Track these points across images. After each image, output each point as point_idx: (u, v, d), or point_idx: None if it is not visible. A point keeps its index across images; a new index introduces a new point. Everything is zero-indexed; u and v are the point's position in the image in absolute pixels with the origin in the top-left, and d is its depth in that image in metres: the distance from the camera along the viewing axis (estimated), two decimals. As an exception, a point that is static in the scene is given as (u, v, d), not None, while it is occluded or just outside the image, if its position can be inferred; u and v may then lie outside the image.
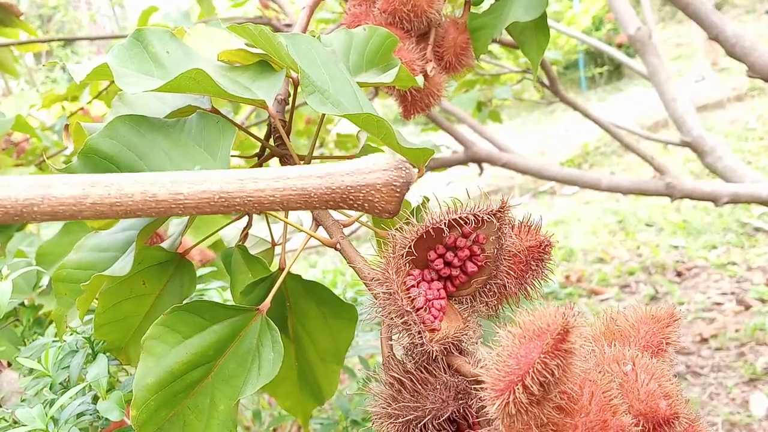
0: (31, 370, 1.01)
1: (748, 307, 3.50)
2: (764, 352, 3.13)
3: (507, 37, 1.74)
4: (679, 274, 4.06)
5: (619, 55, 3.61)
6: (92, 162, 0.73)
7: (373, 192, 0.51)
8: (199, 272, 1.35)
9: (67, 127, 0.93)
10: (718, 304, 3.63)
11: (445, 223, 0.55)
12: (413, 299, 0.56)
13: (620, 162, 6.65)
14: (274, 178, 0.50)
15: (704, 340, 3.32)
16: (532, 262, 0.60)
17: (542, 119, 8.82)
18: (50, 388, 0.98)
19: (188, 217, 0.89)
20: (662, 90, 2.87)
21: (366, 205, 0.50)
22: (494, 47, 3.18)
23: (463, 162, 3.08)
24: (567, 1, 9.37)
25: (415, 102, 1.18)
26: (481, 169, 3.19)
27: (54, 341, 1.06)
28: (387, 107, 6.09)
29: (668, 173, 2.70)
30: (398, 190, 0.51)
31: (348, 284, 2.64)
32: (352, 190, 0.50)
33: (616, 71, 9.60)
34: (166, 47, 0.77)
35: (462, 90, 3.42)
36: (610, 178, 2.86)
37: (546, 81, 2.95)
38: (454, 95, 3.37)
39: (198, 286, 1.19)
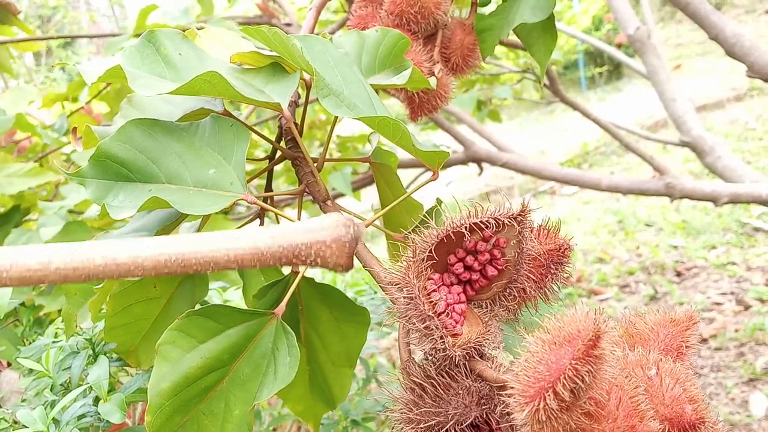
0: (31, 371, 1.00)
1: (747, 307, 3.51)
2: (764, 352, 3.13)
3: (507, 37, 1.74)
4: (678, 274, 4.07)
5: (619, 55, 3.61)
6: (104, 166, 0.72)
7: (323, 248, 0.53)
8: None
9: (75, 130, 0.93)
10: (718, 304, 3.63)
11: (465, 227, 0.55)
12: (434, 304, 0.55)
13: (620, 162, 6.66)
14: (229, 239, 0.53)
15: (704, 340, 3.32)
16: (552, 266, 0.60)
17: (542, 119, 8.83)
18: (51, 389, 0.98)
19: (200, 220, 0.89)
20: (662, 90, 2.87)
21: (318, 260, 0.53)
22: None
23: (463, 162, 3.08)
24: (567, 1, 9.36)
25: (422, 104, 1.17)
26: (481, 168, 3.19)
27: (54, 341, 1.06)
28: (389, 106, 6.10)
29: (668, 173, 2.70)
30: (347, 245, 0.53)
31: (347, 284, 2.63)
32: (303, 247, 0.53)
33: (616, 71, 9.59)
34: (178, 49, 0.77)
35: (462, 89, 3.42)
36: (609, 178, 2.85)
37: (546, 81, 2.95)
38: (455, 95, 3.37)
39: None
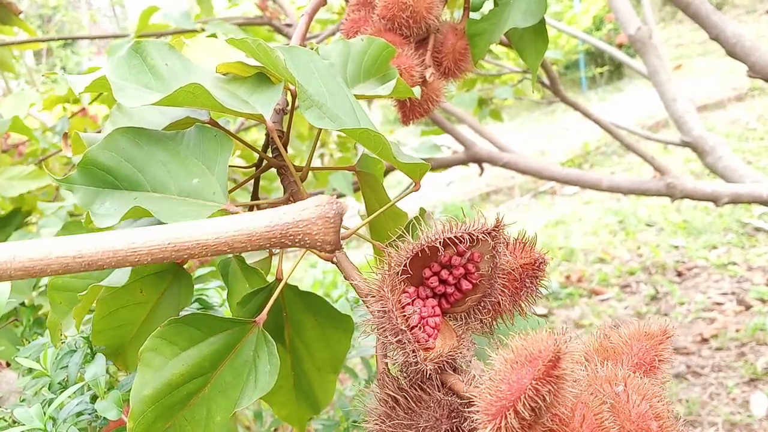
0: (30, 370, 1.01)
1: (748, 307, 3.50)
2: (765, 352, 3.13)
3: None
4: (679, 274, 4.06)
5: (620, 55, 3.60)
6: (91, 174, 0.73)
7: (310, 225, 0.57)
8: (199, 272, 1.36)
9: (66, 135, 0.94)
10: (719, 304, 3.63)
11: (440, 241, 0.56)
12: (408, 317, 0.56)
13: (621, 162, 6.64)
14: (220, 224, 0.57)
15: (705, 340, 3.32)
16: (527, 280, 0.60)
17: (542, 119, 8.81)
18: (49, 388, 0.98)
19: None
20: (663, 90, 2.86)
21: (307, 238, 0.56)
22: (495, 47, 3.17)
23: (464, 162, 3.08)
24: (567, 1, 9.34)
25: (413, 108, 1.18)
26: (482, 169, 3.19)
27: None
28: (386, 107, 6.09)
29: (669, 173, 2.70)
30: (332, 220, 0.57)
31: (348, 285, 2.64)
32: (291, 225, 0.57)
33: (617, 71, 9.56)
34: (165, 59, 0.78)
35: (463, 89, 3.42)
36: (610, 178, 2.85)
37: (546, 81, 2.95)
38: (456, 95, 3.37)
39: (197, 286, 1.19)
